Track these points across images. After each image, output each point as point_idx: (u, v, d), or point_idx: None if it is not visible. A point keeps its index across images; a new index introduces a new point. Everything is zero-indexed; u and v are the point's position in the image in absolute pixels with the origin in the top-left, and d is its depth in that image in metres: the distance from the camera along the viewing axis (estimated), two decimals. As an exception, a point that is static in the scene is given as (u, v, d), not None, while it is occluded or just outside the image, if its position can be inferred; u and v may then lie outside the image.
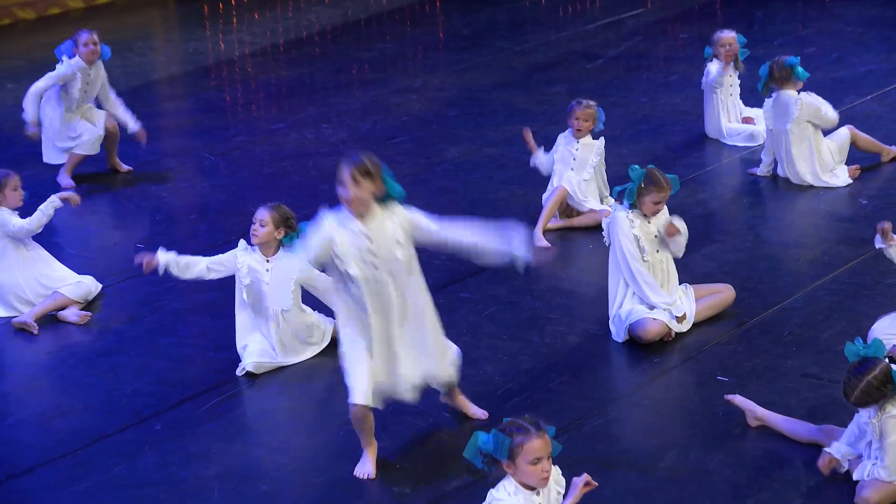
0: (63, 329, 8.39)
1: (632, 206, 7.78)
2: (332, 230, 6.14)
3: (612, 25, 15.78)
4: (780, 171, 10.19)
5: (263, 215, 7.55)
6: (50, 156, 11.24)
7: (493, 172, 10.98)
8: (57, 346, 8.22)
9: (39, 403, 7.59)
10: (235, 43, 16.48)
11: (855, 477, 6.18)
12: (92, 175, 11.30)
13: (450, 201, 10.10)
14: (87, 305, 8.59)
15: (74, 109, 10.94)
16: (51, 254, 8.75)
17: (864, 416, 6.22)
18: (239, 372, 7.64)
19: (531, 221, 9.23)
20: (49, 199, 8.47)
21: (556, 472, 5.42)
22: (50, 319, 8.41)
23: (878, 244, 7.25)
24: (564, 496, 5.39)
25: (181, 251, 7.70)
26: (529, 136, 9.60)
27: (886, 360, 6.11)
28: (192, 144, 12.79)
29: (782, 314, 8.10)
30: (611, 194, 8.72)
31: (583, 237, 9.34)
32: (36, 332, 8.29)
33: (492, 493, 5.33)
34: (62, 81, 10.78)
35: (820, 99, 10.01)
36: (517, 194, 10.38)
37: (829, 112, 9.98)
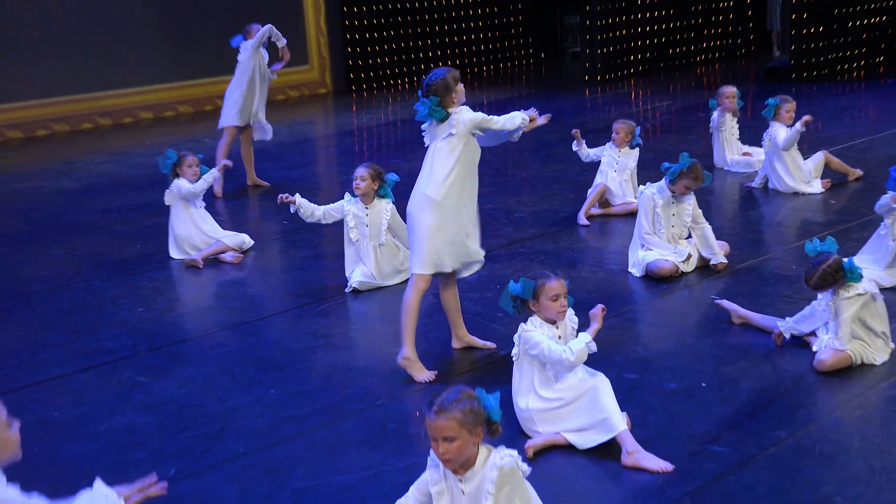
0: (221, 267, 8.57)
1: (670, 182, 7.64)
2: None
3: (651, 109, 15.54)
4: (771, 185, 10.04)
5: (362, 172, 7.67)
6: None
7: (552, 185, 10.87)
8: (216, 276, 8.40)
9: (207, 306, 7.92)
10: (373, 118, 16.53)
11: (814, 348, 6.08)
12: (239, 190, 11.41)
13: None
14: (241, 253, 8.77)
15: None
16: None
17: (822, 301, 6.06)
18: (347, 289, 7.69)
19: (576, 207, 9.52)
20: (210, 171, 8.79)
21: (570, 311, 5.31)
22: (212, 260, 8.62)
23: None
24: (580, 331, 5.17)
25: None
26: (578, 134, 9.63)
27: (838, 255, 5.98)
28: (328, 170, 13.27)
29: (764, 262, 7.99)
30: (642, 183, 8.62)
31: (617, 222, 9.31)
32: (201, 267, 8.46)
33: (522, 326, 5.24)
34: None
35: (785, 130, 9.90)
36: (567, 192, 10.22)
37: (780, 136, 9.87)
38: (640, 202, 7.92)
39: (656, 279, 7.57)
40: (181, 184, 8.51)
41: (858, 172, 10.07)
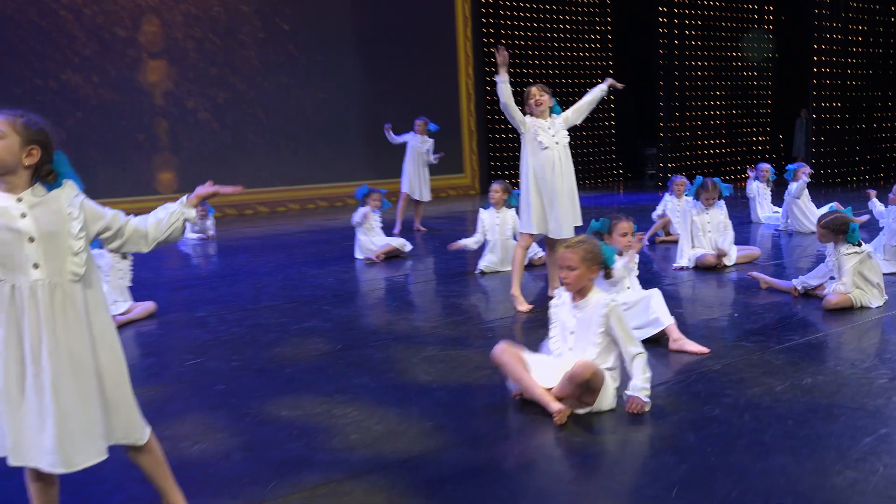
0: (390, 262, 8.52)
1: (695, 197, 7.53)
2: None
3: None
4: (790, 228, 9.74)
5: (496, 186, 7.66)
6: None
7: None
8: (386, 269, 8.27)
9: (383, 291, 7.68)
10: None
11: (825, 293, 5.74)
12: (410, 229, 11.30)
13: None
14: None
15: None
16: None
17: (828, 261, 5.77)
18: (476, 270, 7.63)
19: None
20: (361, 210, 8.82)
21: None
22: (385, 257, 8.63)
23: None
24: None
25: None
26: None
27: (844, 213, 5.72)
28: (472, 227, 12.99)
29: (784, 264, 7.65)
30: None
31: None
32: (378, 261, 8.50)
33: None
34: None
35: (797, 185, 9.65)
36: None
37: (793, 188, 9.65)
38: (682, 214, 7.77)
39: (703, 268, 7.34)
40: (361, 209, 8.75)
41: (864, 219, 9.61)
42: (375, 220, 8.77)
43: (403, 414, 3.83)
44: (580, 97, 6.27)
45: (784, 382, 4.10)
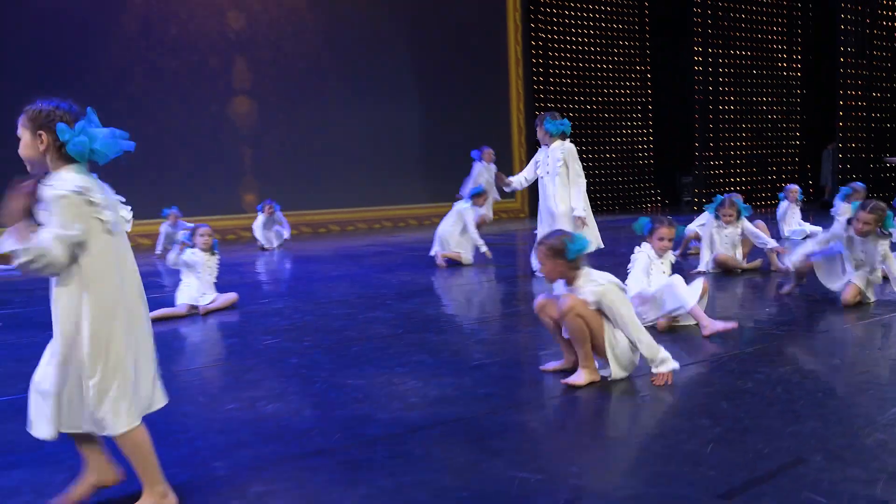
0: (453, 268, 8.37)
1: (715, 215, 7.36)
2: None
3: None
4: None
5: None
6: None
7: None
8: (448, 273, 8.17)
9: (443, 289, 7.56)
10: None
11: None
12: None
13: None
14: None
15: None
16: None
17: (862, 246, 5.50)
18: (533, 271, 7.41)
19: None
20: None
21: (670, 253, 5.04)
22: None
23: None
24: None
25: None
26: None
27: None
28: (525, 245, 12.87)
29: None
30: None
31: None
32: (444, 266, 8.46)
33: (636, 249, 4.96)
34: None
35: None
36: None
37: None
38: (705, 227, 7.52)
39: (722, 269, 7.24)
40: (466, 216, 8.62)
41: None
42: (470, 226, 8.61)
43: (457, 383, 3.79)
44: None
45: (814, 363, 3.96)
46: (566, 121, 7.06)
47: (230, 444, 3.04)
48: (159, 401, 2.55)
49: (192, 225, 7.40)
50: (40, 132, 2.34)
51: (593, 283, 3.71)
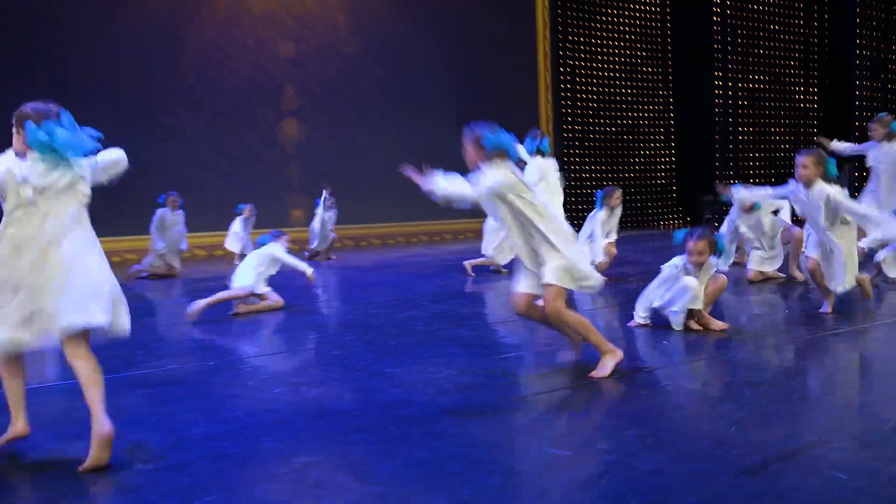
0: (484, 273, 8.36)
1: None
2: None
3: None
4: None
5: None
6: None
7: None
8: (482, 278, 8.05)
9: (478, 293, 7.51)
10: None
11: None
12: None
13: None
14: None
15: None
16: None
17: None
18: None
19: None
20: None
21: (710, 263, 4.75)
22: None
23: None
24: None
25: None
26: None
27: None
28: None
29: None
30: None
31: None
32: (471, 275, 8.34)
33: (673, 260, 4.80)
34: None
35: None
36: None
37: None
38: (727, 220, 7.43)
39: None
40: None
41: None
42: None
43: (489, 372, 3.74)
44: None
45: (836, 359, 3.84)
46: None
47: (276, 420, 3.03)
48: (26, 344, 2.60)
49: (276, 231, 7.28)
50: (19, 129, 2.67)
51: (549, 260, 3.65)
